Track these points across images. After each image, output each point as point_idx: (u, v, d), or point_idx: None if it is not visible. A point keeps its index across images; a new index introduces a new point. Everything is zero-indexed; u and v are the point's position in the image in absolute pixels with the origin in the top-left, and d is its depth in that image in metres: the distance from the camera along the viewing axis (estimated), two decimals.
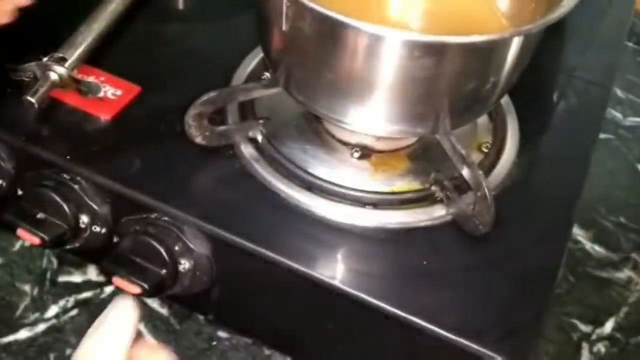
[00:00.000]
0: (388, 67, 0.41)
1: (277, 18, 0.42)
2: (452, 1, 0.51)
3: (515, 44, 0.42)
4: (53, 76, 0.51)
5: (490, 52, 0.42)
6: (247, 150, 0.50)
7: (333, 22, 0.39)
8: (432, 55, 0.40)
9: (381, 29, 0.39)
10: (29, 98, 0.50)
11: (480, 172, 0.47)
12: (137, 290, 0.45)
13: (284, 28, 0.42)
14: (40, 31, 0.58)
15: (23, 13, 0.50)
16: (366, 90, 0.43)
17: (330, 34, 0.40)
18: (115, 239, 0.49)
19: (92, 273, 0.60)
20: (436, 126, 0.46)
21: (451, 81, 0.43)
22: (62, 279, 0.59)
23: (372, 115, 0.45)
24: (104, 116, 0.52)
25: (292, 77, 0.47)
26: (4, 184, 0.51)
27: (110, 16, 0.56)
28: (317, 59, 0.43)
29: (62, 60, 0.52)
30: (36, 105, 0.50)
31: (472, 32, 0.39)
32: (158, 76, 0.53)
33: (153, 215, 0.47)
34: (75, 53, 0.53)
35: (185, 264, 0.47)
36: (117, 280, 0.45)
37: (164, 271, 0.46)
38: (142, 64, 0.56)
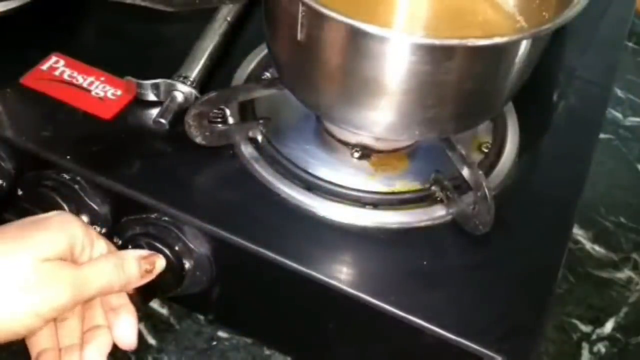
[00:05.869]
0: (407, 72, 0.41)
1: (289, 22, 0.42)
2: (458, 2, 0.51)
3: (530, 44, 0.42)
4: (179, 96, 0.52)
5: (505, 52, 0.42)
6: (247, 150, 0.50)
7: (345, 27, 0.39)
8: (451, 58, 0.40)
9: (405, 35, 0.39)
10: (161, 120, 0.50)
11: (481, 172, 0.47)
12: None
13: (296, 32, 0.42)
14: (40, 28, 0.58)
15: None
16: (383, 94, 0.43)
17: (341, 38, 0.41)
18: (115, 239, 0.49)
19: None
20: (443, 130, 0.47)
21: (464, 85, 0.43)
22: None
23: (383, 119, 0.44)
24: (104, 116, 0.52)
25: (301, 81, 0.47)
26: (4, 184, 0.51)
27: (218, 33, 0.57)
28: (329, 64, 0.43)
29: (185, 79, 0.52)
30: (167, 127, 0.50)
31: (482, 32, 0.39)
32: (158, 76, 0.53)
33: (153, 215, 0.47)
34: (195, 72, 0.53)
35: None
36: None
37: None
38: (142, 64, 0.56)
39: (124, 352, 0.55)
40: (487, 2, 0.51)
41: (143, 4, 0.51)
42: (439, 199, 0.49)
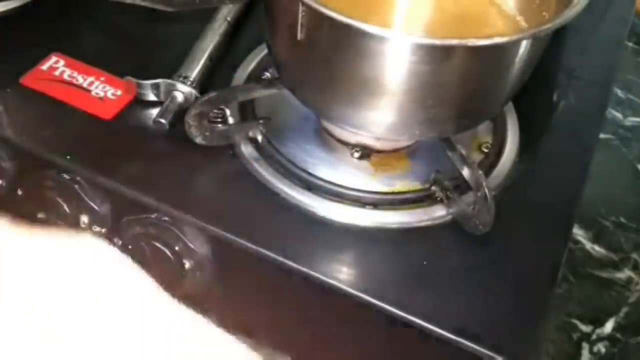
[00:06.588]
0: (407, 72, 0.41)
1: (289, 22, 0.42)
2: (458, 2, 0.51)
3: (530, 44, 0.42)
4: (179, 96, 0.52)
5: (505, 52, 0.42)
6: (247, 150, 0.50)
7: (345, 27, 0.38)
8: (451, 58, 0.40)
9: (405, 35, 0.39)
10: (161, 120, 0.50)
11: (481, 172, 0.47)
12: None
13: (296, 32, 0.42)
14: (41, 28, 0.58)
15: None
16: (383, 94, 0.43)
17: (343, 39, 0.40)
18: (115, 239, 0.49)
19: None
20: (443, 130, 0.46)
21: (464, 85, 0.43)
22: None
23: (383, 119, 0.44)
24: (104, 116, 0.52)
25: (301, 81, 0.47)
26: (4, 184, 0.51)
27: (218, 33, 0.57)
28: (329, 64, 0.43)
29: (185, 79, 0.52)
30: (167, 127, 0.50)
31: (482, 33, 0.39)
32: (158, 76, 0.53)
33: (153, 216, 0.47)
34: (195, 72, 0.53)
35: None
36: None
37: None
38: (142, 64, 0.56)
39: None
40: (487, 2, 0.51)
41: (143, 4, 0.51)
42: (439, 199, 0.49)
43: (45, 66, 0.55)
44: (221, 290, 0.50)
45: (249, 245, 0.45)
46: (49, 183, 0.48)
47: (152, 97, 0.53)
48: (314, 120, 0.53)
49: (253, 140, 0.51)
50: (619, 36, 0.70)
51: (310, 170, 0.50)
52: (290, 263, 0.44)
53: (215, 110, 0.51)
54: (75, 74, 0.54)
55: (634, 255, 0.68)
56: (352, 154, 0.51)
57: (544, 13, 0.47)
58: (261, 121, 0.51)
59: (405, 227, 0.48)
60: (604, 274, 0.66)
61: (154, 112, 0.52)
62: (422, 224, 0.48)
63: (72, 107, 0.52)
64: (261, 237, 0.45)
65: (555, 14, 0.42)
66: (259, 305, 0.50)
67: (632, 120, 0.83)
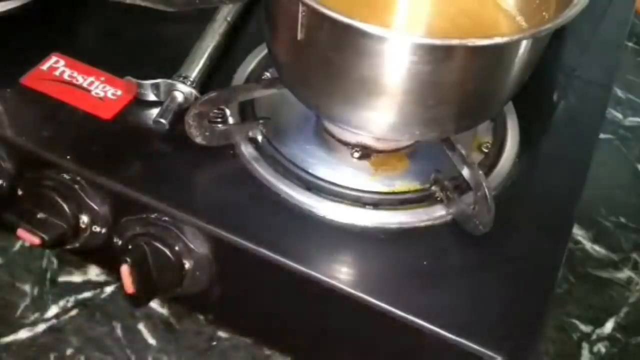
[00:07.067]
0: (407, 72, 0.41)
1: (289, 22, 0.42)
2: (457, 2, 0.51)
3: (530, 44, 0.42)
4: (179, 96, 0.52)
5: (505, 52, 0.42)
6: (247, 150, 0.50)
7: (345, 27, 0.38)
8: (452, 58, 0.40)
9: (405, 35, 0.39)
10: (161, 120, 0.50)
11: (481, 172, 0.47)
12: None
13: (296, 32, 0.42)
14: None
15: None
16: (383, 95, 0.42)
17: (343, 39, 0.40)
18: (115, 239, 0.49)
19: (92, 273, 0.60)
20: (443, 130, 0.46)
21: (464, 85, 0.42)
22: (62, 279, 0.59)
23: (384, 119, 0.44)
24: (104, 116, 0.52)
25: (301, 81, 0.47)
26: (4, 184, 0.51)
27: (218, 33, 0.57)
28: (329, 64, 0.43)
29: (185, 79, 0.53)
30: (167, 127, 0.50)
31: (482, 32, 0.38)
32: (158, 76, 0.53)
33: (153, 215, 0.47)
34: (195, 72, 0.54)
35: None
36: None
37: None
38: (142, 64, 0.56)
39: (124, 352, 0.55)
40: (487, 2, 0.51)
41: (143, 4, 0.51)
42: (439, 199, 0.49)
43: (45, 66, 0.55)
44: (221, 290, 0.50)
45: (249, 245, 0.45)
46: (49, 183, 0.48)
47: (152, 97, 0.53)
48: (314, 120, 0.53)
49: (253, 140, 0.51)
50: (619, 36, 0.70)
51: (310, 170, 0.50)
52: (290, 263, 0.44)
53: (215, 110, 0.51)
54: (75, 74, 0.54)
55: (634, 255, 0.68)
56: (352, 154, 0.51)
57: (544, 13, 0.47)
58: (261, 121, 0.51)
59: (405, 227, 0.48)
60: (604, 274, 0.66)
61: (154, 112, 0.52)
62: (422, 224, 0.48)
63: (72, 107, 0.52)
64: (261, 237, 0.45)
65: (555, 14, 0.42)
66: (259, 305, 0.50)
67: (632, 120, 0.83)
